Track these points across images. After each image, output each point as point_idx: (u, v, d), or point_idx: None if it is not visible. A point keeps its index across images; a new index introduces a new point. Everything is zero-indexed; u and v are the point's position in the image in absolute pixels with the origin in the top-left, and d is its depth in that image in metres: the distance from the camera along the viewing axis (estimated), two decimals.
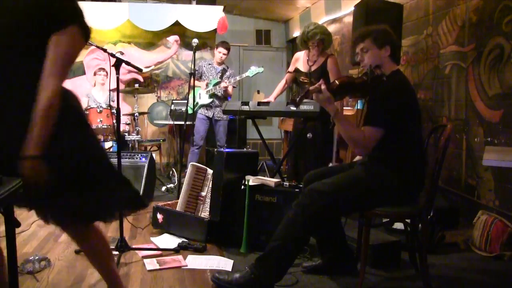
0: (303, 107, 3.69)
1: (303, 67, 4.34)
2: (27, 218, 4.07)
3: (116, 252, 2.98)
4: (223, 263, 2.98)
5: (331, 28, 6.48)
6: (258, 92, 8.03)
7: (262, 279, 2.43)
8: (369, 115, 2.48)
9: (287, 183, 3.30)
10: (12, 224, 1.74)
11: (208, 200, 3.57)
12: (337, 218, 2.82)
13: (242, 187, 3.28)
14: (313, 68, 4.26)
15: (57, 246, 3.35)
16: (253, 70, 5.28)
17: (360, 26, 3.80)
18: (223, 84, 5.54)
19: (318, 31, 4.12)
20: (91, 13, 6.27)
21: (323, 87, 2.42)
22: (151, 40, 7.19)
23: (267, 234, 3.14)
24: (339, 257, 2.82)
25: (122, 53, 6.34)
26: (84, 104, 5.72)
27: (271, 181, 3.29)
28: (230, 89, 5.64)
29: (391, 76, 2.53)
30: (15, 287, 1.83)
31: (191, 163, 3.85)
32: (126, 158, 4.68)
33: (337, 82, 2.51)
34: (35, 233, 3.69)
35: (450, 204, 3.88)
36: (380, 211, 2.48)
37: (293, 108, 3.74)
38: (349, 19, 5.63)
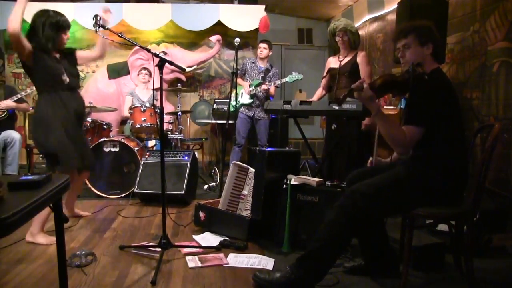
0: (345, 106, 3.65)
1: (334, 65, 4.55)
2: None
3: (159, 249, 3.03)
4: (264, 262, 2.97)
5: (374, 26, 6.38)
6: (300, 91, 8.00)
7: (302, 279, 2.41)
8: (410, 114, 2.44)
9: (329, 183, 3.26)
10: (61, 220, 1.81)
11: (249, 199, 3.57)
12: (380, 219, 2.77)
13: (284, 186, 3.27)
14: (343, 63, 4.45)
15: (102, 242, 3.43)
16: (293, 76, 5.31)
17: (404, 23, 3.75)
18: (263, 87, 5.55)
19: (342, 23, 4.36)
20: (135, 14, 6.41)
21: (365, 85, 2.40)
22: (194, 40, 7.26)
23: (309, 234, 3.14)
24: (381, 258, 2.77)
25: (165, 53, 6.46)
26: (128, 103, 5.85)
27: (313, 180, 3.26)
28: (272, 89, 5.64)
29: (432, 75, 2.47)
30: (64, 278, 1.89)
31: (233, 162, 3.86)
32: (169, 156, 4.76)
33: (379, 79, 2.47)
34: (81, 228, 3.80)
35: (498, 206, 3.75)
36: (424, 212, 2.42)
37: (335, 107, 3.74)
38: (392, 17, 5.53)
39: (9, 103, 5.05)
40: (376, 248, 2.77)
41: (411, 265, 2.70)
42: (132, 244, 3.31)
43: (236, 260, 3.00)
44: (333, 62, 4.59)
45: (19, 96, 5.18)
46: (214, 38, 6.64)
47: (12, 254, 3.15)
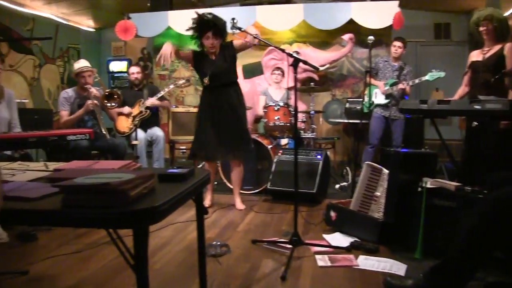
0: (489, 106, 3.38)
1: (476, 58, 4.18)
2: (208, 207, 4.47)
3: (290, 246, 3.08)
4: (395, 267, 2.87)
5: None
6: (437, 89, 7.60)
7: None
8: None
9: (470, 188, 3.05)
10: (202, 211, 1.92)
11: (382, 201, 3.49)
12: None
13: (419, 189, 3.13)
14: (487, 56, 4.05)
15: (236, 235, 3.59)
16: (434, 74, 5.03)
17: None
18: (400, 86, 5.36)
19: (488, 11, 4.00)
20: (269, 15, 6.57)
21: None
22: (326, 39, 7.25)
23: (445, 241, 2.95)
24: None
25: (298, 53, 6.51)
26: (262, 102, 6.03)
27: (451, 184, 3.07)
28: (408, 88, 5.43)
29: None
30: (203, 265, 2.02)
31: (366, 162, 3.80)
32: (301, 155, 4.81)
33: None
34: (216, 221, 4.01)
35: None
36: None
37: (477, 106, 3.48)
38: None
39: (153, 101, 5.50)
40: None
41: None
42: (264, 239, 3.40)
43: (366, 262, 2.95)
44: (475, 56, 4.22)
45: (161, 94, 5.61)
46: (347, 36, 6.56)
47: (158, 238, 3.47)
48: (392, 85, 5.44)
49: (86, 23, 8.17)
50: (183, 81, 6.01)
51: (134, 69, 5.80)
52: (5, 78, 4.31)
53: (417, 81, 5.29)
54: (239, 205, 4.50)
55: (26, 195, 1.39)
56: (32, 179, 1.73)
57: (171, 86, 5.83)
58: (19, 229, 3.50)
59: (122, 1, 7.22)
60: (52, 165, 2.05)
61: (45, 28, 6.93)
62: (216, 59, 4.22)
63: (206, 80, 4.20)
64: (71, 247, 3.26)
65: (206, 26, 4.12)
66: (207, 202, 4.50)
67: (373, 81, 5.52)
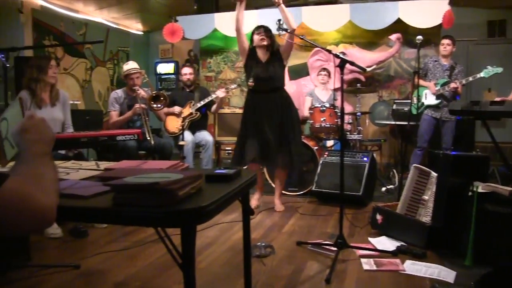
0: None
1: None
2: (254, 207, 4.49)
3: (335, 248, 3.05)
4: (444, 273, 2.78)
5: None
6: (489, 90, 7.34)
7: None
8: None
9: None
10: (248, 212, 1.94)
11: (430, 205, 3.40)
12: None
13: (470, 193, 3.04)
14: None
15: (280, 236, 3.59)
16: (489, 70, 4.84)
17: None
18: (452, 85, 5.19)
19: None
20: (314, 16, 6.54)
21: None
22: (372, 40, 7.13)
23: (497, 249, 2.85)
24: None
25: (344, 54, 6.46)
26: (308, 104, 6.00)
27: (505, 189, 2.96)
28: (460, 87, 5.26)
29: None
30: (248, 266, 2.03)
31: (414, 165, 3.72)
32: (347, 157, 4.77)
33: None
34: (261, 222, 4.03)
35: None
36: None
37: None
38: None
39: (224, 90, 5.61)
40: None
41: None
42: (309, 241, 3.39)
43: (413, 267, 2.88)
44: None
45: (212, 97, 5.64)
46: (394, 36, 6.43)
47: (203, 238, 3.52)
48: (443, 84, 5.29)
49: (135, 27, 8.38)
50: (235, 85, 6.02)
51: (187, 70, 5.81)
52: (59, 81, 4.47)
53: (471, 78, 5.09)
54: (278, 206, 4.50)
55: (79, 193, 1.43)
56: (84, 177, 1.78)
57: (223, 90, 5.85)
58: (71, 225, 3.64)
59: (170, 4, 7.37)
60: (103, 165, 2.12)
61: (97, 32, 7.15)
62: (265, 62, 4.27)
63: (250, 82, 4.23)
64: (119, 244, 3.36)
65: (261, 25, 4.37)
66: (253, 202, 4.52)
67: (421, 82, 5.38)
